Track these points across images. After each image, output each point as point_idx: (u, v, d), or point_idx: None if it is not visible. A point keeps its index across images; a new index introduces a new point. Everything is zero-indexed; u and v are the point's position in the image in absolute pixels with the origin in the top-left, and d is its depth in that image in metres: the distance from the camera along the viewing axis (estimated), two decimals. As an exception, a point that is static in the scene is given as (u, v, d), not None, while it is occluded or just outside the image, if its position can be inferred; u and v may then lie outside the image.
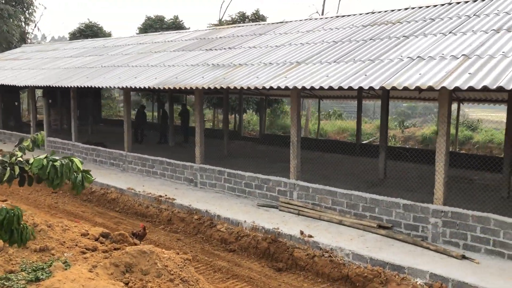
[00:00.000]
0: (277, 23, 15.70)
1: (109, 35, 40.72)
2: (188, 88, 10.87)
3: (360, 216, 9.38)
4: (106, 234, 6.14)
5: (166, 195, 11.91)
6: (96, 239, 6.01)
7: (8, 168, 4.17)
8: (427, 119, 43.19)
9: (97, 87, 13.50)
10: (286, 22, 15.51)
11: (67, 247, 5.42)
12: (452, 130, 24.92)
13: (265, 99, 23.72)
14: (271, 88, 9.25)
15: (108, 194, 12.97)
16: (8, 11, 34.67)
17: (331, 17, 14.19)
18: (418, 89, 7.38)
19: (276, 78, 9.67)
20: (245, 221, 9.79)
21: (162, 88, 11.51)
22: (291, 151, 10.44)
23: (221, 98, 29.69)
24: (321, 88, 8.55)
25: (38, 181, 4.37)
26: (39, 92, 38.17)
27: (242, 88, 9.79)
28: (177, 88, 11.13)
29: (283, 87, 9.08)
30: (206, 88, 10.46)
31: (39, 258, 5.16)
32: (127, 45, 19.23)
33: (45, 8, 59.62)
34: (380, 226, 8.98)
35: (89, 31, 39.44)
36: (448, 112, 8.07)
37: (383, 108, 13.37)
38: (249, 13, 31.76)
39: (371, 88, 7.85)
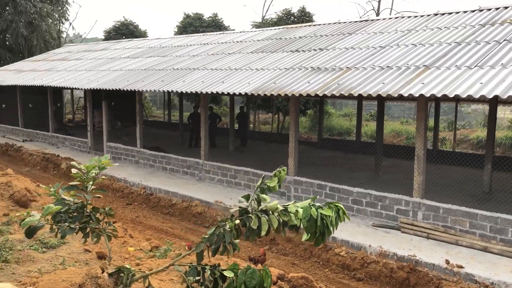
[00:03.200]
0: (361, 21, 14.59)
1: (144, 33, 40.05)
2: (297, 95, 9.83)
3: (509, 243, 8.24)
4: (282, 276, 5.13)
5: (262, 211, 10.89)
6: (274, 283, 5.00)
7: (264, 218, 3.14)
8: (450, 118, 41.47)
9: (178, 91, 12.52)
10: (373, 20, 14.39)
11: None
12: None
13: (321, 101, 22.54)
14: (410, 95, 8.14)
15: (192, 208, 11.99)
16: (46, 9, 34.04)
17: (429, 15, 13.01)
18: None
19: (410, 84, 8.57)
20: (369, 245, 8.72)
21: (262, 94, 10.48)
22: (415, 166, 9.32)
23: (265, 100, 28.82)
24: (481, 98, 7.44)
25: (277, 231, 3.30)
26: (79, 92, 37.63)
27: (369, 95, 8.70)
28: (282, 94, 10.09)
29: (427, 95, 7.98)
30: (321, 95, 9.41)
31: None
32: (189, 46, 18.26)
33: (80, 6, 58.75)
34: (539, 256, 7.84)
35: (125, 30, 38.79)
36: None
37: (491, 115, 12.18)
38: (294, 10, 30.70)
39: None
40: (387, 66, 9.83)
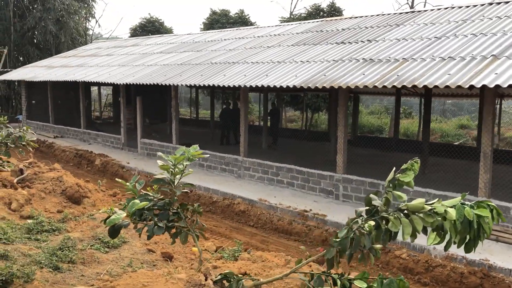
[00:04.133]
0: (407, 13, 13.96)
1: (170, 30, 39.88)
2: (353, 87, 9.29)
3: None
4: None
5: (311, 210, 10.39)
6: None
7: (405, 219, 2.64)
8: (475, 116, 40.24)
9: (220, 85, 12.08)
10: (419, 11, 13.77)
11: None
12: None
13: (355, 97, 21.89)
14: (484, 86, 7.54)
15: (234, 205, 11.55)
16: (73, 6, 34.03)
17: (482, 5, 12.32)
18: None
19: (480, 74, 7.96)
20: (434, 248, 8.14)
21: (312, 87, 9.96)
22: (481, 164, 8.70)
23: (293, 96, 28.24)
24: None
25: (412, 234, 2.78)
26: (103, 90, 37.69)
27: (435, 86, 8.12)
28: (335, 86, 9.55)
29: (504, 85, 7.37)
30: (380, 86, 8.85)
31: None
32: (224, 40, 17.83)
33: (106, 4, 58.77)
34: None
35: (151, 27, 38.66)
36: None
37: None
38: (324, 5, 30.12)
39: None
40: (449, 57, 9.21)
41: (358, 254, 2.74)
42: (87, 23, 40.64)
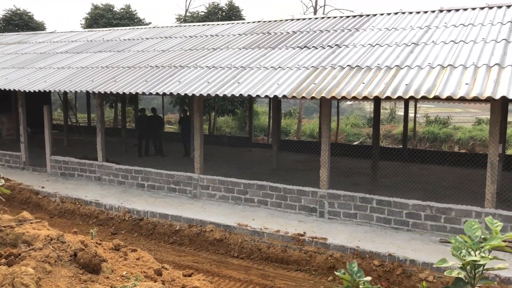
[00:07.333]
0: (354, 16, 13.58)
1: (41, 24, 35.30)
2: (360, 97, 8.45)
3: None
4: None
5: (305, 233, 9.33)
6: None
7: None
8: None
9: (180, 94, 10.28)
10: (368, 15, 13.47)
11: None
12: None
13: (278, 101, 21.28)
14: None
15: (206, 234, 9.94)
16: None
17: (433, 11, 12.48)
18: None
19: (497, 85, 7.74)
20: (461, 267, 7.72)
21: (308, 97, 8.89)
22: (488, 174, 8.55)
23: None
24: None
25: None
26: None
27: (462, 98, 7.68)
28: (338, 97, 8.62)
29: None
30: (394, 97, 8.15)
31: None
32: (146, 39, 15.67)
33: None
34: None
35: (19, 20, 33.72)
36: None
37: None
38: (222, 4, 29.13)
39: None
40: (449, 65, 8.92)
41: None
42: None
